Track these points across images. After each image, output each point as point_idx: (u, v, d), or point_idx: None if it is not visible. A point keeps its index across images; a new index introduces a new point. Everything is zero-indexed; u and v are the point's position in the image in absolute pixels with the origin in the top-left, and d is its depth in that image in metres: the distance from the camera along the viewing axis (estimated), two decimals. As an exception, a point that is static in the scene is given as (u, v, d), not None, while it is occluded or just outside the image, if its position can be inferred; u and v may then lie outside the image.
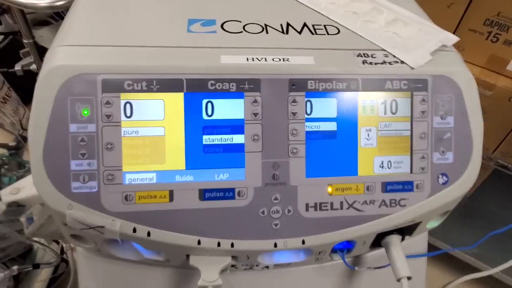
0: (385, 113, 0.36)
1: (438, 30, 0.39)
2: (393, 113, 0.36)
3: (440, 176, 0.36)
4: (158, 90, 0.32)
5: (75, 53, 0.32)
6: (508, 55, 0.83)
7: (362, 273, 0.43)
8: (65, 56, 0.31)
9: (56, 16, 1.08)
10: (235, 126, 0.34)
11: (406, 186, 0.36)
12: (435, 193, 0.36)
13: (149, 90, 0.32)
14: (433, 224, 0.40)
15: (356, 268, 0.40)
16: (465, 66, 0.37)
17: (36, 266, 0.91)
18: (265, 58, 0.34)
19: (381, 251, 0.41)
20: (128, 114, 0.32)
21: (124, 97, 0.32)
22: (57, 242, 1.06)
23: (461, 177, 0.36)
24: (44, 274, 1.08)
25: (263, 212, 0.34)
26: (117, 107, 0.32)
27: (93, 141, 0.31)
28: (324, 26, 0.39)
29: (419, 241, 0.45)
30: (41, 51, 1.12)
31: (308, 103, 0.34)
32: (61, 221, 0.32)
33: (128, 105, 0.32)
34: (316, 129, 0.35)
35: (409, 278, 0.35)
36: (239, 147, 0.34)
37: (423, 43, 0.37)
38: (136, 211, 0.32)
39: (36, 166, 0.31)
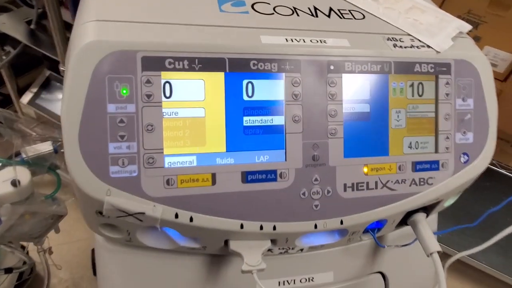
0: (412, 96, 0.37)
1: (452, 17, 0.42)
2: (419, 96, 0.37)
3: (462, 155, 0.38)
4: (200, 69, 0.31)
5: (111, 29, 0.30)
6: (477, 51, 0.90)
7: (382, 251, 0.44)
8: (101, 31, 0.29)
9: (19, 1, 1.00)
10: (276, 107, 0.33)
11: (433, 165, 0.37)
12: (458, 171, 0.38)
13: (191, 69, 0.31)
14: (450, 202, 0.42)
15: (386, 246, 0.42)
16: (481, 52, 0.39)
17: (9, 271, 0.84)
18: (303, 40, 0.34)
19: (400, 230, 0.42)
20: (168, 94, 0.30)
21: (165, 76, 0.30)
22: (23, 247, 0.99)
23: (479, 156, 0.39)
24: (8, 280, 1.00)
25: (304, 194, 0.34)
26: (158, 86, 0.30)
27: (132, 123, 0.29)
28: (349, 11, 0.39)
29: (430, 221, 0.47)
30: (2, 38, 1.03)
31: (345, 85, 0.35)
32: (95, 209, 0.30)
33: (167, 85, 0.30)
34: (352, 111, 0.35)
35: (439, 252, 0.36)
36: (279, 129, 0.33)
37: (443, 29, 0.39)
38: (178, 195, 0.31)
39: (71, 150, 0.28)
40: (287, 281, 0.40)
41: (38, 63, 1.17)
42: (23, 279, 1.00)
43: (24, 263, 1.01)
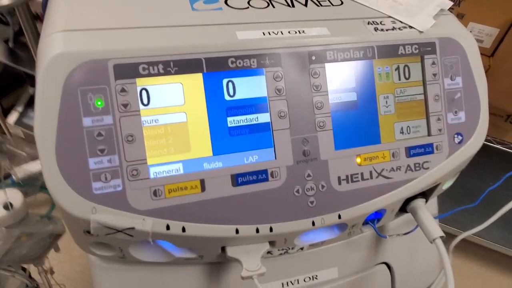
0: (399, 79, 0.36)
1: (432, -4, 0.40)
2: (406, 79, 0.36)
3: (456, 135, 0.37)
4: (176, 72, 0.30)
5: (79, 38, 0.28)
6: (462, 28, 0.89)
7: (385, 241, 0.43)
8: (67, 42, 0.28)
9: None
10: (259, 105, 0.32)
11: (427, 148, 0.36)
12: (453, 152, 0.37)
13: (167, 73, 0.29)
14: (448, 184, 0.41)
15: (387, 236, 0.41)
16: (465, 28, 0.38)
17: (9, 295, 0.83)
18: (281, 32, 0.33)
19: (402, 218, 0.42)
20: (146, 101, 0.29)
21: (140, 83, 0.29)
22: (24, 269, 0.97)
23: (473, 134, 0.38)
24: (12, 305, 0.98)
25: (297, 191, 0.33)
26: (134, 94, 0.29)
27: (111, 135, 0.28)
28: (327, -2, 0.38)
29: (430, 206, 0.46)
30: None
31: (329, 75, 0.33)
32: (82, 229, 0.29)
33: (144, 92, 0.29)
34: (339, 101, 0.34)
35: (442, 237, 0.35)
36: (266, 126, 0.32)
37: (423, 8, 0.38)
38: (167, 206, 0.29)
39: (49, 169, 0.27)
40: (291, 281, 0.39)
41: (21, 82, 1.15)
42: (27, 303, 0.99)
43: (27, 286, 0.99)
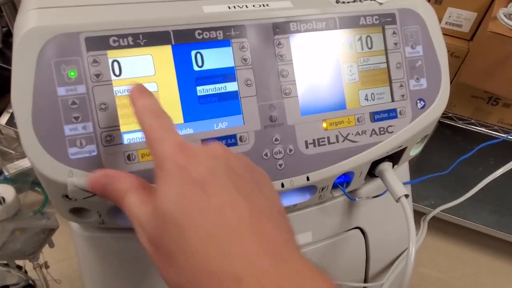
0: (362, 49, 0.38)
1: (394, -28, 0.42)
2: (369, 48, 0.38)
3: (418, 101, 0.39)
4: (146, 44, 0.31)
5: (51, 14, 0.30)
6: (441, 14, 0.91)
7: (358, 207, 0.45)
8: (41, 17, 0.30)
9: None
10: (227, 74, 0.34)
11: (391, 113, 0.38)
12: (416, 117, 0.39)
13: (136, 45, 0.31)
14: (415, 150, 0.43)
15: (356, 199, 0.43)
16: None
17: None
18: (246, 5, 0.35)
19: (375, 186, 0.43)
20: (117, 72, 0.31)
21: (111, 54, 0.31)
22: (19, 266, 0.98)
23: (435, 100, 0.40)
24: (8, 300, 1.00)
25: (266, 155, 0.34)
26: (106, 65, 0.31)
27: (85, 103, 0.30)
28: (292, -25, 0.40)
29: (402, 173, 0.48)
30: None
31: (293, 45, 0.35)
32: (61, 193, 0.30)
33: (116, 63, 0.31)
34: (304, 69, 0.36)
35: (406, 196, 0.37)
36: (234, 94, 0.34)
37: (384, -17, 0.40)
38: (141, 169, 0.31)
39: (26, 137, 0.29)
40: (267, 246, 0.41)
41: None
42: (24, 297, 1.00)
43: (24, 283, 1.01)
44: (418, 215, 0.60)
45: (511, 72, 0.76)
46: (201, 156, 0.23)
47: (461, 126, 1.06)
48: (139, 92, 0.27)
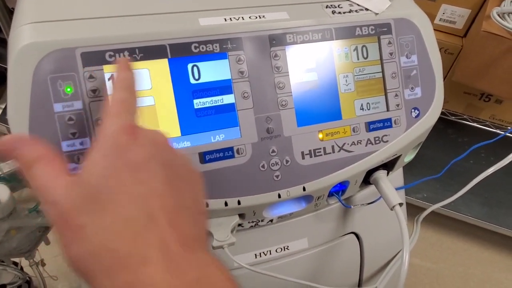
0: (358, 59, 0.38)
1: (389, -22, 0.42)
2: (365, 58, 0.38)
3: (413, 110, 0.40)
4: (142, 59, 0.31)
5: (47, 29, 0.30)
6: (435, 10, 0.92)
7: (353, 212, 0.46)
8: (35, 33, 0.29)
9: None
10: (224, 87, 0.34)
11: (386, 123, 0.39)
12: (411, 126, 0.39)
13: (133, 59, 0.31)
14: (409, 157, 0.44)
15: (352, 206, 0.43)
16: (419, 8, 0.40)
17: (1, 287, 0.85)
18: (242, 17, 0.34)
19: (369, 192, 0.44)
20: (114, 87, 0.31)
21: (108, 69, 0.31)
22: (15, 263, 0.99)
23: (429, 108, 0.40)
24: (5, 298, 1.00)
25: (263, 166, 0.35)
26: (102, 80, 0.30)
27: (82, 119, 0.30)
28: (287, -17, 0.40)
29: (396, 178, 0.49)
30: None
31: (289, 57, 0.35)
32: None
33: (113, 78, 0.31)
34: (300, 81, 0.36)
35: (401, 204, 0.38)
36: (231, 107, 0.34)
37: (380, -9, 0.40)
38: (139, 184, 0.31)
39: (23, 153, 0.28)
40: (263, 252, 0.42)
41: (3, 79, 1.15)
42: (21, 296, 1.01)
43: (21, 280, 1.01)
44: (411, 208, 0.62)
45: (504, 71, 0.77)
46: (143, 141, 0.23)
47: (454, 120, 1.07)
48: (123, 65, 0.28)
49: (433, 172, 0.56)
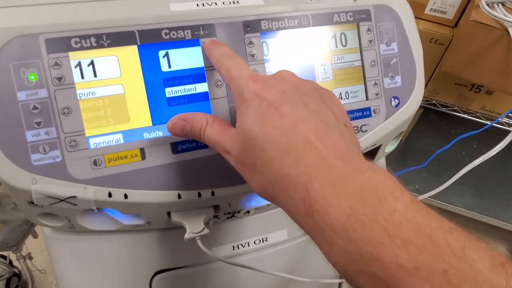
0: (336, 47, 0.37)
1: (371, -36, 0.41)
2: (343, 46, 0.37)
3: (393, 99, 0.39)
4: (110, 45, 0.30)
5: (8, 15, 0.29)
6: (425, 0, 0.90)
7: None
8: (-3, 18, 0.28)
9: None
10: (197, 75, 0.33)
11: (365, 112, 0.38)
12: (391, 115, 0.39)
13: (100, 46, 0.30)
14: (390, 147, 0.43)
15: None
16: (400, -6, 0.39)
17: (-11, 281, 0.84)
18: (215, 3, 0.33)
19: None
20: (80, 75, 0.30)
21: (74, 56, 0.30)
22: (3, 257, 0.98)
23: (410, 98, 0.39)
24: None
25: (237, 157, 0.34)
26: (68, 68, 0.29)
27: (47, 108, 0.29)
28: (266, -31, 0.39)
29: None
30: None
31: (265, 44, 0.35)
32: (26, 200, 0.30)
33: (79, 65, 0.30)
34: (276, 69, 0.35)
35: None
36: (204, 96, 0.33)
37: (361, -23, 0.39)
38: (108, 174, 0.31)
39: (-14, 143, 0.28)
40: (241, 244, 0.41)
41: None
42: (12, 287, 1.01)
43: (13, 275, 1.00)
44: None
45: (492, 61, 0.76)
46: (273, 82, 0.26)
47: (445, 111, 1.07)
48: (213, 44, 0.32)
49: (434, 166, 0.56)
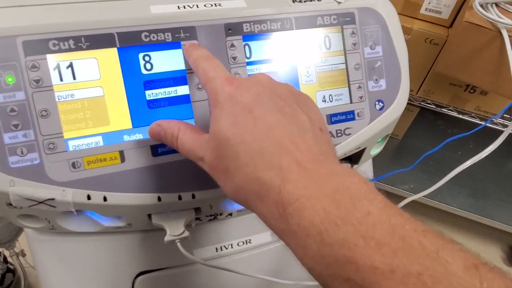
0: (320, 49, 0.37)
1: (357, -34, 0.41)
2: (327, 49, 0.37)
3: (377, 102, 0.39)
4: (88, 48, 0.30)
5: (-15, 16, 0.29)
6: (420, 0, 0.90)
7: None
8: (-26, 20, 0.28)
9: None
10: (178, 78, 0.33)
11: (349, 115, 0.38)
12: (375, 118, 0.39)
13: (78, 48, 0.30)
14: (376, 150, 0.43)
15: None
16: (386, -3, 0.39)
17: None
18: (197, 5, 0.33)
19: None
20: (59, 77, 0.30)
21: (52, 59, 0.29)
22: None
23: (394, 101, 0.39)
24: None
25: (218, 159, 0.34)
26: (46, 70, 0.29)
27: (24, 110, 0.29)
28: (250, -29, 0.39)
29: (366, 170, 0.48)
30: None
31: (247, 47, 0.34)
32: (5, 201, 0.30)
33: (58, 68, 0.30)
34: (257, 71, 0.35)
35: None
36: (185, 98, 0.33)
37: (346, -21, 0.39)
38: (87, 177, 0.31)
39: (-38, 145, 0.28)
40: (224, 246, 0.41)
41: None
42: (5, 284, 1.01)
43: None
44: (397, 199, 0.61)
45: (485, 63, 0.76)
46: (248, 85, 0.26)
47: (439, 111, 1.07)
48: (191, 46, 0.32)
49: (420, 163, 0.56)
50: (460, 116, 1.06)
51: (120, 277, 0.39)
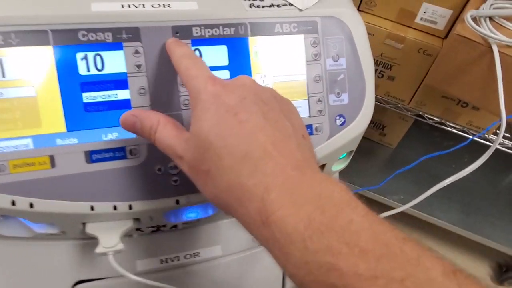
0: (277, 59, 0.35)
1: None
2: (285, 58, 0.35)
3: (338, 117, 0.37)
4: (19, 44, 0.28)
5: None
6: (416, 8, 0.88)
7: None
8: None
9: None
10: (118, 81, 0.31)
11: (307, 129, 0.36)
12: (334, 134, 0.37)
13: (8, 44, 0.28)
14: (338, 167, 0.41)
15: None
16: (353, 7, 0.37)
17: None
18: (143, 5, 0.31)
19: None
20: (-13, 74, 0.28)
21: (-22, 54, 0.28)
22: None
23: (357, 117, 0.37)
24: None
25: (159, 170, 0.32)
26: (-29, 67, 0.28)
27: None
28: (211, -29, 0.37)
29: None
30: None
31: (197, 52, 0.32)
32: None
33: (-15, 64, 0.28)
34: (209, 79, 0.33)
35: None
36: (126, 103, 0.31)
37: (313, -15, 0.37)
38: (12, 181, 0.29)
39: None
40: (170, 258, 0.40)
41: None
42: None
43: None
44: (387, 210, 0.60)
45: (474, 78, 0.73)
46: (232, 87, 0.25)
47: (431, 123, 1.04)
48: (174, 43, 0.30)
49: (412, 174, 0.54)
50: (451, 129, 1.04)
51: (57, 286, 0.37)
